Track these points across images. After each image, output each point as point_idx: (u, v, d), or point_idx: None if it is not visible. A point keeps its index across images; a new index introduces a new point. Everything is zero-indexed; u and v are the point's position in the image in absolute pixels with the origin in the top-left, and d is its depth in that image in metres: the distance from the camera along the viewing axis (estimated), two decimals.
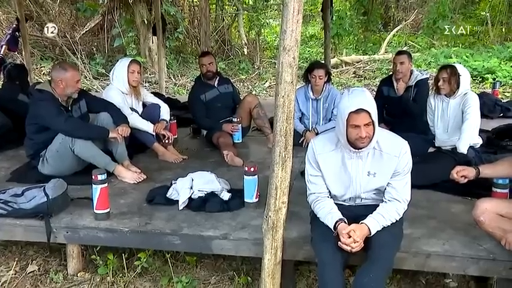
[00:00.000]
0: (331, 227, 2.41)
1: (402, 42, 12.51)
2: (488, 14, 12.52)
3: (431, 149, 3.95)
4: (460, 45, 11.94)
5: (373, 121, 2.31)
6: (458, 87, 3.70)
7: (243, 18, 12.26)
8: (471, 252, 2.49)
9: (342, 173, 2.47)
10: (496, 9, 12.91)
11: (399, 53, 4.71)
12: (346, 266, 2.53)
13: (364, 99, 2.32)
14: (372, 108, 2.31)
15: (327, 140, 2.51)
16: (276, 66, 2.35)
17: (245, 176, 3.09)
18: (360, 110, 2.28)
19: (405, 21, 13.52)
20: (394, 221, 2.43)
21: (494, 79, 8.79)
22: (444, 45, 12.12)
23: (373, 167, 2.43)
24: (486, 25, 12.86)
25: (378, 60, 10.81)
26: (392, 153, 2.41)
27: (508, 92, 8.04)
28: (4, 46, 6.87)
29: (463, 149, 3.58)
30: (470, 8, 14.27)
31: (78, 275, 3.00)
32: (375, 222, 2.38)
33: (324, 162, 2.48)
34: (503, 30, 12.88)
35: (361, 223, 2.37)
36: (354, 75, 10.24)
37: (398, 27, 12.91)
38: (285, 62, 2.30)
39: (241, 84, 9.74)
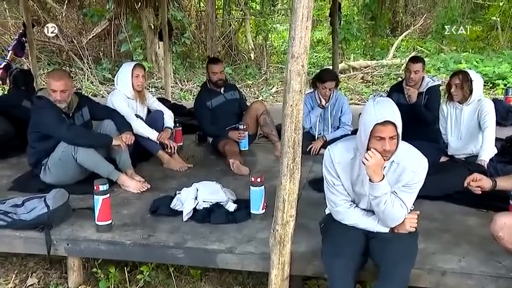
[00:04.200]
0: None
1: (410, 47, 12.37)
2: (498, 19, 12.36)
3: (443, 158, 3.84)
4: (470, 51, 11.79)
5: (398, 134, 2.22)
6: (470, 93, 3.61)
7: (250, 23, 12.20)
8: (489, 270, 2.38)
9: (359, 184, 2.38)
10: (506, 14, 12.76)
11: (414, 60, 4.50)
12: (356, 281, 2.43)
13: (391, 110, 2.22)
14: (399, 120, 2.21)
15: (345, 149, 2.41)
16: (284, 74, 2.26)
17: (251, 187, 2.99)
18: (386, 122, 2.18)
19: (413, 26, 13.40)
20: (394, 207, 2.28)
21: (505, 85, 8.63)
22: (453, 50, 11.98)
23: (389, 181, 2.33)
24: (496, 30, 12.71)
25: (386, 66, 10.68)
26: (410, 167, 2.31)
27: None
28: (11, 52, 6.86)
29: (485, 157, 3.48)
30: (479, 13, 14.12)
31: None
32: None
33: (342, 171, 2.39)
34: None
35: None
36: (361, 80, 10.12)
37: (407, 32, 12.78)
38: (293, 70, 2.21)
39: (248, 89, 9.65)
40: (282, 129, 2.31)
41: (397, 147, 2.25)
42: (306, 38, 2.19)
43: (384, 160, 2.25)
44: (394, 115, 2.20)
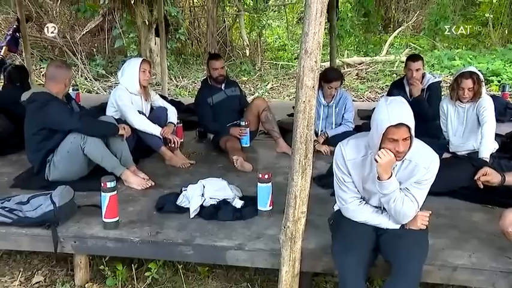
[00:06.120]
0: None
1: (404, 44, 12.42)
2: (490, 16, 12.45)
3: (445, 155, 3.85)
4: (463, 47, 11.87)
5: (411, 135, 2.20)
6: (481, 94, 3.64)
7: (244, 20, 12.15)
8: (500, 266, 2.39)
9: (369, 181, 2.37)
10: (497, 11, 12.85)
11: (414, 59, 4.54)
12: (367, 278, 2.43)
13: (404, 112, 2.18)
14: (412, 122, 2.19)
15: (356, 146, 2.39)
16: (297, 70, 2.25)
17: (259, 183, 2.97)
18: (400, 125, 2.15)
19: (406, 22, 13.44)
20: (404, 204, 2.29)
21: (499, 81, 8.71)
22: (446, 47, 12.04)
23: (401, 177, 2.34)
24: (487, 27, 12.79)
25: (380, 62, 10.70)
26: (422, 164, 2.32)
27: None
28: (4, 47, 6.74)
29: (486, 154, 3.48)
30: (470, 10, 14.21)
31: (86, 286, 2.89)
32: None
33: (353, 168, 2.38)
34: (506, 32, 12.82)
35: None
36: (356, 77, 10.14)
37: (400, 29, 12.81)
38: (306, 66, 2.20)
39: (243, 85, 9.62)
40: (294, 125, 2.29)
41: (410, 147, 2.23)
42: (320, 33, 2.18)
43: (397, 160, 2.24)
44: (408, 116, 2.18)
